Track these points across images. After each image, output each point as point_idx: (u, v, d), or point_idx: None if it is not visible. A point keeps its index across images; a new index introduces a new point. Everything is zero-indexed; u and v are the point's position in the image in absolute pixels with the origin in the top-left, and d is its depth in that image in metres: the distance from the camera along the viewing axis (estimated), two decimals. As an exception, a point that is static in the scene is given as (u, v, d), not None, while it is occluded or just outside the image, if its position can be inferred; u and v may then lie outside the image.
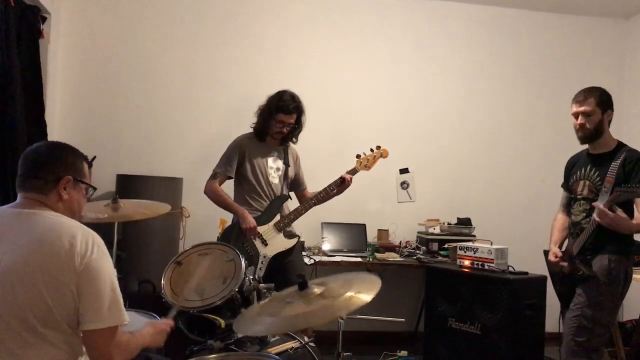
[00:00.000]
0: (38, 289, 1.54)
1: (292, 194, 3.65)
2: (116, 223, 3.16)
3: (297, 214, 3.45)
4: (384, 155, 3.59)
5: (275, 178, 3.49)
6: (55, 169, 1.72)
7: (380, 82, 4.93)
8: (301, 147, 3.66)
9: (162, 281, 2.40)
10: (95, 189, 1.89)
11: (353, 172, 3.52)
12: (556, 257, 2.96)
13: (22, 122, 3.62)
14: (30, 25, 3.82)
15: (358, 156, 3.57)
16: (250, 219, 3.32)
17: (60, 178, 1.71)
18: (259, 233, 3.35)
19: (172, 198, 4.20)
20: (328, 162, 4.16)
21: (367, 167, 3.56)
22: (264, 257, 3.25)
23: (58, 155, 1.76)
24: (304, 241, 4.31)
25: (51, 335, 1.57)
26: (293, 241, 3.46)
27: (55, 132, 4.27)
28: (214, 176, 3.46)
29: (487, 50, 5.10)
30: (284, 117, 3.40)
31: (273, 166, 3.50)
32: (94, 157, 4.02)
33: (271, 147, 3.53)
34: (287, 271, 3.32)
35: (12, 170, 3.42)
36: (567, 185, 3.08)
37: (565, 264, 2.90)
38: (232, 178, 3.48)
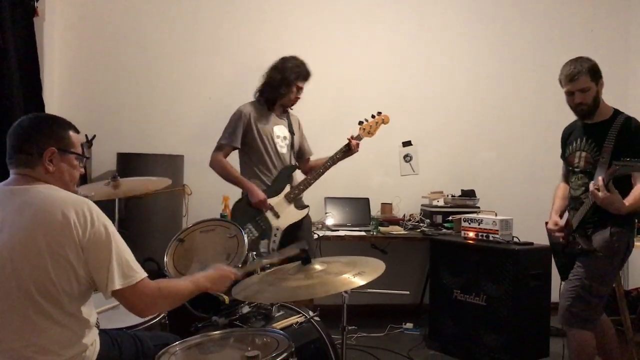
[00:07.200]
0: (41, 263, 1.54)
1: None
2: (117, 200, 3.17)
3: (307, 183, 3.38)
4: (385, 121, 3.54)
5: (283, 147, 3.41)
6: (38, 141, 1.68)
7: (382, 52, 4.84)
8: (302, 116, 3.64)
9: (165, 258, 2.39)
10: (86, 157, 1.86)
11: (358, 138, 3.45)
12: (556, 225, 2.91)
13: (19, 102, 3.58)
14: (24, 3, 3.74)
15: (360, 123, 3.50)
16: (258, 193, 3.25)
17: (44, 150, 1.68)
18: (270, 205, 3.29)
19: (174, 175, 4.17)
20: (329, 132, 4.04)
21: (370, 134, 3.50)
22: (277, 229, 3.26)
23: (40, 128, 1.71)
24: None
25: (55, 313, 1.57)
26: (304, 212, 3.43)
27: (54, 111, 4.21)
28: (219, 148, 3.35)
29: (491, 18, 4.99)
30: (303, 83, 3.39)
31: (280, 135, 3.42)
32: (94, 136, 4.07)
33: (276, 115, 3.45)
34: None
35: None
36: (565, 157, 3.02)
37: (561, 234, 2.87)
38: (237, 149, 3.38)
